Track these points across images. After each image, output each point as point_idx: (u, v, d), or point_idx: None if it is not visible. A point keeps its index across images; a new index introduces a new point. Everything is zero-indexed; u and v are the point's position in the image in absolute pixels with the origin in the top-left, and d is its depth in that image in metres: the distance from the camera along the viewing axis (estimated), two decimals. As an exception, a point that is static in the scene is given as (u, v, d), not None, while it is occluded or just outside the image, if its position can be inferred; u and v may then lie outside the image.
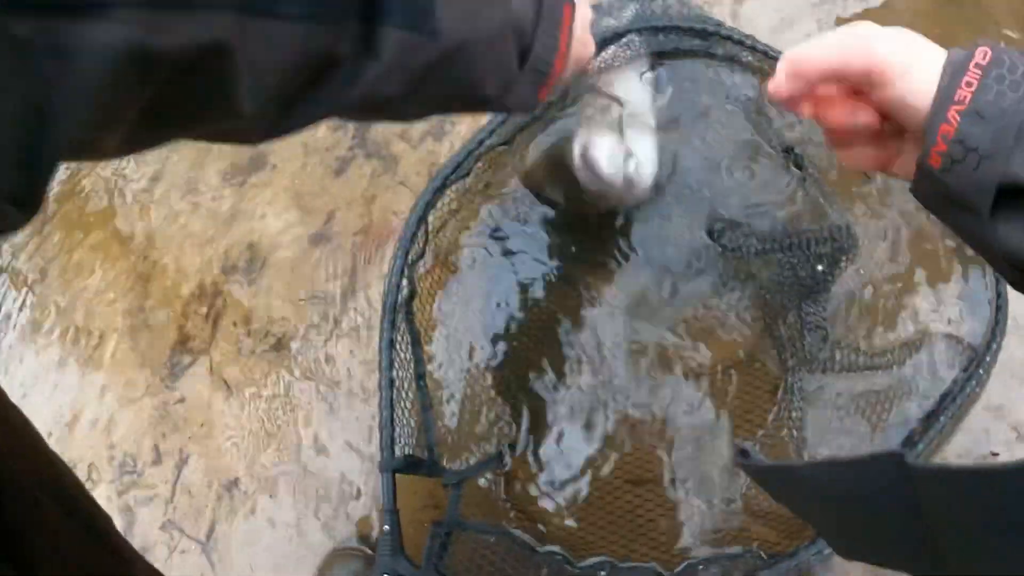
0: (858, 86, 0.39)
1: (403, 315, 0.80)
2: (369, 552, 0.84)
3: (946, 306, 0.91)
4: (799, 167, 0.90)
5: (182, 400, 1.03)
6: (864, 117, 0.40)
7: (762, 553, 0.79)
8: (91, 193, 1.19)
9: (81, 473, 1.01)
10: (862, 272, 0.92)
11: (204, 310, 1.07)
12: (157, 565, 0.92)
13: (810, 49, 0.39)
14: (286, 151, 1.15)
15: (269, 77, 0.34)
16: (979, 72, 0.35)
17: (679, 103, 0.94)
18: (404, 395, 0.79)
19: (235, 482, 0.95)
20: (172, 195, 1.15)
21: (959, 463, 0.29)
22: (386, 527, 0.72)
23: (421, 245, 0.84)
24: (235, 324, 1.04)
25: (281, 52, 0.34)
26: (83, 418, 1.04)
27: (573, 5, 0.54)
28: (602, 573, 0.77)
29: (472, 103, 0.52)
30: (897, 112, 0.39)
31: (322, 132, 1.14)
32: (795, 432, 0.85)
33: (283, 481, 0.94)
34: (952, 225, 0.40)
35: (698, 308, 0.88)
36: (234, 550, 0.92)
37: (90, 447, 1.02)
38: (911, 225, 0.94)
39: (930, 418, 0.83)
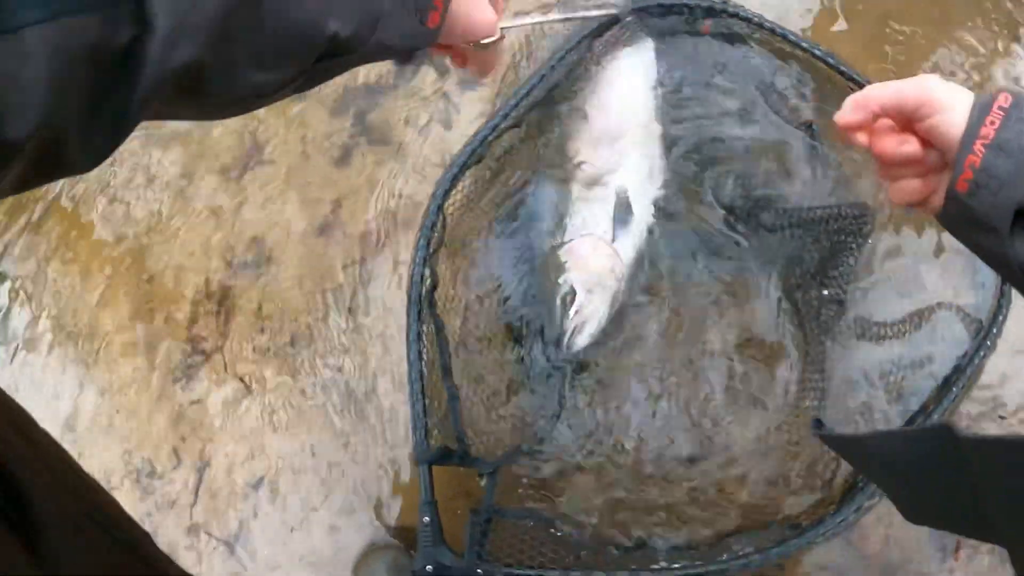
0: (910, 117, 0.47)
1: (427, 305, 0.80)
2: (407, 540, 0.84)
3: (954, 278, 0.93)
4: (815, 141, 0.91)
5: (198, 401, 1.01)
6: (910, 146, 0.47)
7: (792, 523, 0.81)
8: (86, 197, 1.15)
9: (100, 481, 0.99)
10: (873, 245, 0.93)
11: (213, 309, 1.05)
12: (187, 568, 0.91)
13: (874, 87, 0.47)
14: (283, 143, 1.12)
15: (37, 92, 0.30)
16: (1001, 113, 0.43)
17: (692, 82, 0.93)
18: (433, 386, 0.79)
19: (260, 480, 0.95)
20: (169, 195, 1.12)
21: (1002, 432, 0.32)
22: (426, 518, 0.73)
23: (440, 233, 0.83)
24: (247, 321, 1.03)
25: (38, 63, 0.30)
26: (97, 426, 1.03)
27: None
28: (638, 552, 0.79)
29: (330, 50, 0.43)
30: (939, 140, 0.46)
31: (321, 120, 1.12)
32: (816, 401, 0.86)
33: (310, 477, 0.93)
34: (974, 245, 0.48)
35: (721, 282, 0.89)
36: (266, 549, 0.92)
37: (107, 455, 1.00)
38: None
39: (943, 388, 0.86)
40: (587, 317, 0.82)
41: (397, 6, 0.45)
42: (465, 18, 0.51)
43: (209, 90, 0.39)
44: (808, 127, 0.95)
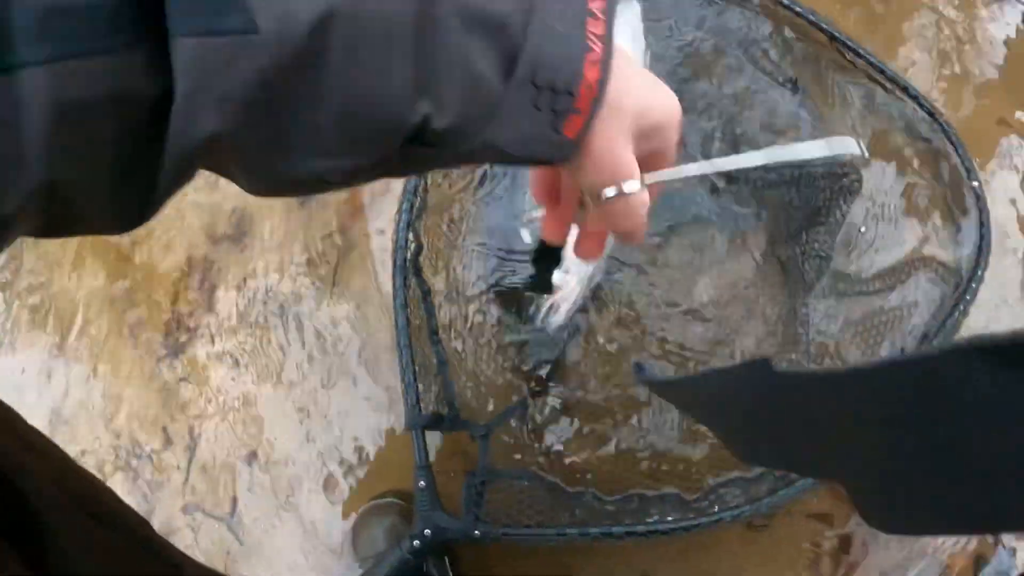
0: None
1: (412, 271, 0.79)
2: (403, 504, 0.85)
3: (934, 232, 0.94)
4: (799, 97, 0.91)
5: (185, 378, 1.00)
6: None
7: (782, 474, 0.83)
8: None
9: (90, 466, 0.98)
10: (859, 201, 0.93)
11: (196, 283, 1.03)
12: (183, 549, 0.92)
13: None
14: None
15: (34, 149, 0.24)
16: None
17: (674, 39, 0.92)
18: (421, 352, 0.79)
19: (253, 454, 0.94)
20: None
21: (817, 366, 0.31)
22: (421, 483, 0.73)
23: (423, 197, 0.82)
24: (231, 294, 1.01)
25: (36, 112, 0.23)
26: (82, 410, 1.01)
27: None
28: (631, 505, 0.80)
29: (421, 138, 0.31)
30: None
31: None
32: (799, 357, 0.88)
33: (303, 447, 0.93)
34: None
35: (707, 237, 0.89)
36: (261, 522, 0.92)
37: (95, 439, 0.99)
38: (901, 155, 0.95)
39: (923, 342, 0.87)
40: (563, 297, 0.81)
41: (524, 99, 0.31)
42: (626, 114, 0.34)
43: (252, 171, 0.30)
44: (792, 83, 0.95)
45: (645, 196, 0.39)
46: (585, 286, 0.83)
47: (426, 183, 0.83)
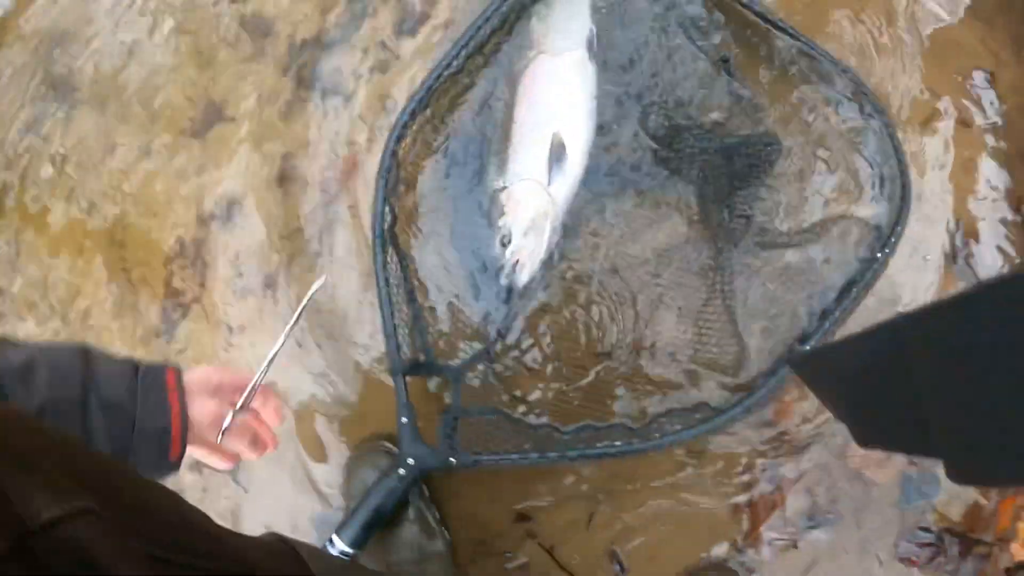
0: None
1: (389, 238, 0.90)
2: (389, 446, 0.96)
3: (856, 191, 1.06)
4: (730, 74, 1.03)
5: (183, 350, 1.09)
6: None
7: (711, 404, 0.96)
8: (41, 167, 1.18)
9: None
10: (783, 163, 1.05)
11: (188, 262, 1.11)
12: (193, 503, 1.01)
13: None
14: (241, 101, 1.17)
15: None
16: None
17: (616, 16, 1.02)
18: (401, 310, 0.90)
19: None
20: (129, 159, 1.16)
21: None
22: (403, 419, 0.85)
23: (396, 174, 0.92)
24: (225, 267, 1.09)
25: None
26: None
27: (177, 371, 0.63)
28: (585, 434, 0.93)
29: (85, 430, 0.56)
30: None
31: (271, 77, 1.17)
32: (728, 301, 1.00)
33: (297, 403, 1.04)
34: None
35: (647, 200, 1.00)
36: (263, 474, 1.02)
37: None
38: (825, 125, 1.06)
39: (845, 290, 0.99)
40: (524, 258, 0.91)
41: (145, 445, 0.58)
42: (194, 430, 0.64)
43: None
44: (724, 61, 1.06)
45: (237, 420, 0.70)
46: (543, 250, 0.94)
47: (399, 164, 0.94)
